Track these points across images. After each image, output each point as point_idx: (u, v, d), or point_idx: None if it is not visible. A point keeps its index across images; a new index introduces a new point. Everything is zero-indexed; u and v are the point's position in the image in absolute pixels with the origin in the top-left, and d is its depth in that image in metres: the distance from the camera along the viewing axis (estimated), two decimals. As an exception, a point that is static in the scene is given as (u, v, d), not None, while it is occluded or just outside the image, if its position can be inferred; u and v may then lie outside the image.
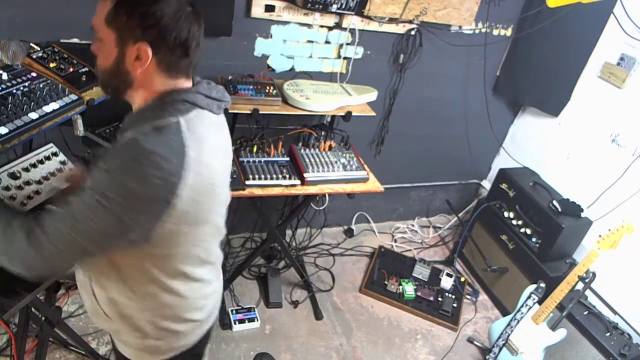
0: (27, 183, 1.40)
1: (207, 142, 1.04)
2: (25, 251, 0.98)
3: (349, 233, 3.45)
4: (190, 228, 1.04)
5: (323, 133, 2.48)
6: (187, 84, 1.07)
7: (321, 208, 3.23)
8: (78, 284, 1.24)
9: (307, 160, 2.32)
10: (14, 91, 1.48)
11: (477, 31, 2.87)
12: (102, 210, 0.92)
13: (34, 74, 1.59)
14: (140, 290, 1.12)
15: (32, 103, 1.48)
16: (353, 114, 2.41)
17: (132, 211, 0.93)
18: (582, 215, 2.77)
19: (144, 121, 0.99)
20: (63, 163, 1.53)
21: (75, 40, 1.99)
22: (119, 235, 0.96)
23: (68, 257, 0.99)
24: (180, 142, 0.97)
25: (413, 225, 3.72)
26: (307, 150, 2.39)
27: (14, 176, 1.38)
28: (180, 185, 0.95)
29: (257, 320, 2.59)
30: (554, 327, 2.38)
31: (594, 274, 2.29)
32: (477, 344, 2.82)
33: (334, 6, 2.33)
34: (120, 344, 1.27)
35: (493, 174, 3.57)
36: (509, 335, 2.50)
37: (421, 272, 3.15)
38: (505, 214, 3.02)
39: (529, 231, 2.87)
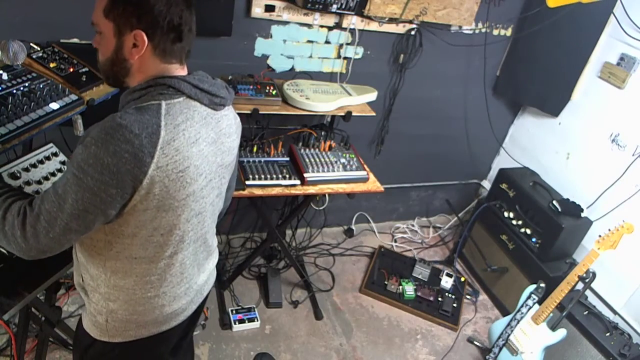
0: (27, 183, 1.40)
1: (184, 130, 1.05)
2: (18, 232, 1.02)
3: (349, 233, 3.45)
4: (155, 212, 1.06)
5: (323, 133, 2.48)
6: (180, 70, 1.11)
7: (321, 208, 3.23)
8: None
9: (307, 160, 2.32)
10: (14, 91, 1.48)
11: (477, 31, 2.87)
12: (79, 184, 0.97)
13: (34, 74, 1.59)
14: (102, 264, 1.17)
15: (32, 103, 1.48)
16: (353, 114, 2.41)
17: (106, 185, 0.96)
18: (582, 215, 2.77)
19: (131, 102, 1.05)
20: (63, 163, 1.54)
21: (75, 40, 1.99)
22: (98, 211, 1.00)
23: (56, 236, 1.01)
24: (155, 122, 1.00)
25: (413, 225, 3.72)
26: (307, 150, 2.39)
27: (14, 176, 1.38)
28: (149, 163, 0.98)
29: (257, 320, 2.59)
30: (554, 327, 2.38)
31: (594, 274, 2.29)
32: (477, 344, 2.82)
33: (334, 6, 2.33)
34: (83, 312, 1.32)
35: (493, 174, 3.57)
36: (509, 335, 2.50)
37: (421, 272, 3.15)
38: (505, 214, 3.02)
39: (529, 231, 2.87)
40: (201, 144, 1.11)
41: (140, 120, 0.98)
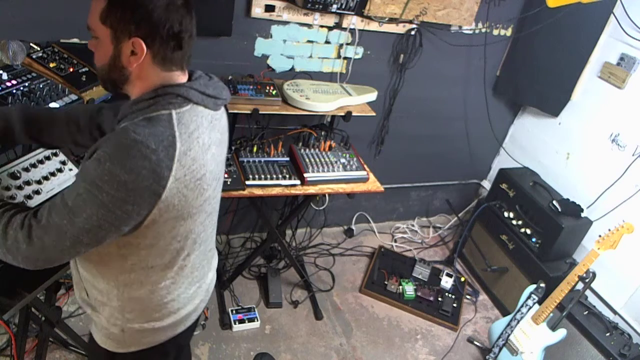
0: (27, 183, 1.40)
1: (198, 138, 1.04)
2: (24, 245, 0.99)
3: (349, 233, 3.45)
4: (174, 222, 1.05)
5: (323, 133, 2.48)
6: (182, 77, 1.08)
7: (321, 208, 3.23)
8: None
9: (307, 160, 2.32)
10: (14, 91, 1.48)
11: (477, 31, 2.87)
12: (93, 200, 0.93)
13: (33, 74, 1.59)
14: (114, 279, 1.14)
15: (32, 103, 1.48)
16: (353, 114, 2.41)
17: (122, 202, 0.93)
18: (582, 215, 2.77)
19: (138, 113, 1.01)
20: (63, 163, 1.53)
21: (75, 40, 1.99)
22: (112, 227, 0.97)
23: (65, 248, 0.99)
24: (170, 133, 0.98)
25: (413, 225, 3.72)
26: (307, 150, 2.39)
27: (14, 176, 1.38)
28: (167, 177, 0.96)
29: (257, 320, 2.59)
30: (554, 327, 2.38)
31: (594, 274, 2.29)
32: (477, 344, 2.82)
33: (334, 6, 2.33)
34: (93, 326, 1.29)
35: (493, 174, 3.57)
36: (509, 335, 2.50)
37: (421, 272, 3.15)
38: (505, 214, 3.02)
39: (529, 231, 2.87)
40: (212, 148, 1.10)
41: (155, 133, 0.95)
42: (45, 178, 1.45)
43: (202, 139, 1.05)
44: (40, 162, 1.48)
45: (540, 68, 2.97)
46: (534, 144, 3.26)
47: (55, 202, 0.99)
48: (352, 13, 2.43)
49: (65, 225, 0.96)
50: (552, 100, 3.01)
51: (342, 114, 2.40)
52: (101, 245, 1.02)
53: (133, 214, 0.97)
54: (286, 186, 2.20)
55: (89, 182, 0.94)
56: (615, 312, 2.68)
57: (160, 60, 1.02)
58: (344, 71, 2.71)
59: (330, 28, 2.54)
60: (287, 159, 2.33)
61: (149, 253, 1.09)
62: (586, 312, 2.49)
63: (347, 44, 2.62)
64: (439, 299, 3.00)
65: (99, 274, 1.15)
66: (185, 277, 1.23)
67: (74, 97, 1.61)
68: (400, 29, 2.66)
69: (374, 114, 2.50)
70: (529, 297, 2.47)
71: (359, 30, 2.57)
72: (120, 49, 1.00)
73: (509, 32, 3.01)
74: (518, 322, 2.48)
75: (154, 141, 0.94)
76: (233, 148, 2.30)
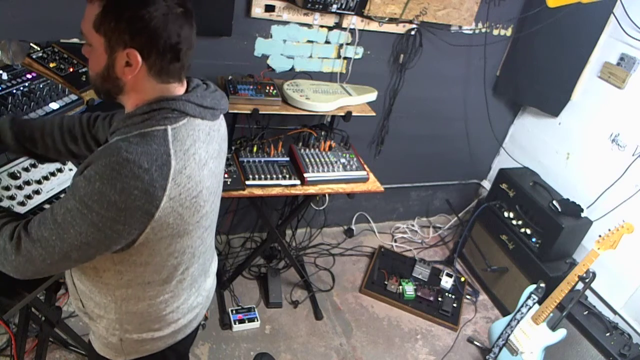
0: (27, 183, 1.40)
1: (194, 154, 1.01)
2: (12, 256, 0.98)
3: (349, 233, 3.45)
4: (170, 239, 1.03)
5: (323, 133, 2.48)
6: (179, 88, 1.03)
7: (321, 208, 3.23)
8: None
9: (307, 160, 2.32)
10: (14, 91, 1.48)
11: (477, 31, 2.87)
12: (82, 218, 0.91)
13: (33, 74, 1.59)
14: (111, 294, 1.13)
15: (32, 103, 1.48)
16: (353, 114, 2.41)
17: (112, 222, 0.91)
18: (582, 215, 2.77)
19: (132, 127, 0.97)
20: (63, 163, 1.53)
21: (75, 40, 1.99)
22: (102, 245, 0.95)
23: (54, 262, 0.97)
24: (164, 151, 0.94)
25: (413, 225, 3.72)
26: (307, 150, 2.39)
27: (14, 176, 1.38)
28: (161, 197, 0.93)
29: (257, 320, 2.59)
30: (554, 327, 2.38)
31: (594, 274, 2.29)
32: (477, 344, 2.82)
33: (334, 6, 2.33)
34: (91, 334, 1.28)
35: (493, 174, 3.57)
36: (509, 335, 2.50)
37: (421, 272, 3.15)
38: (505, 214, 3.02)
39: (529, 231, 2.87)
40: (209, 163, 1.07)
41: (148, 151, 0.92)
42: (45, 178, 1.46)
43: (198, 154, 1.02)
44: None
45: (540, 68, 2.97)
46: (534, 144, 3.26)
47: (45, 215, 0.97)
48: (352, 13, 2.43)
49: (54, 241, 0.94)
50: (552, 100, 3.02)
51: (342, 114, 2.40)
52: (90, 261, 1.00)
53: (124, 233, 0.94)
54: (286, 186, 2.20)
55: (78, 200, 0.91)
56: (615, 312, 2.68)
57: (157, 72, 0.97)
58: (344, 71, 2.71)
59: (330, 28, 2.54)
60: (287, 159, 2.33)
61: (145, 270, 1.07)
62: (586, 312, 2.50)
63: (347, 44, 2.62)
64: (439, 299, 3.00)
65: (95, 288, 1.13)
66: (185, 289, 1.22)
67: (74, 97, 1.61)
68: (400, 29, 2.66)
69: (374, 114, 2.50)
70: (529, 297, 2.47)
71: (359, 30, 2.57)
72: (115, 59, 0.95)
73: (509, 32, 3.01)
74: (518, 322, 2.48)
75: (147, 160, 0.91)
76: (233, 148, 2.30)
